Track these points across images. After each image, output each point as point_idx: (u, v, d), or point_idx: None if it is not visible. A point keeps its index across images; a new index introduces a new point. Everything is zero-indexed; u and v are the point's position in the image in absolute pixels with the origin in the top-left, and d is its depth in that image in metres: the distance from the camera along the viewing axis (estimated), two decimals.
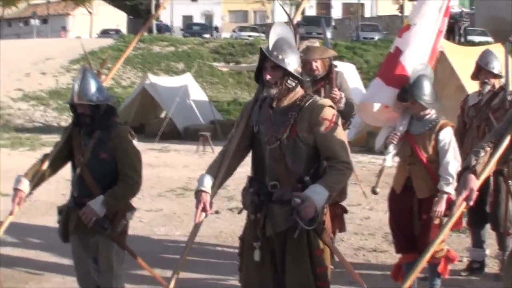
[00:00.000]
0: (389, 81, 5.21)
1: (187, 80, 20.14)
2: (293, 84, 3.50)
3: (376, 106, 5.33)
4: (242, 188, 3.69)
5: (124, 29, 53.02)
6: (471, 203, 2.81)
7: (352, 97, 5.88)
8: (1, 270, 5.84)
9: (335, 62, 5.88)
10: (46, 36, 48.59)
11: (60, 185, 8.75)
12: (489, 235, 6.14)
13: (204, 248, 6.57)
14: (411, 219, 5.00)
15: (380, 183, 5.17)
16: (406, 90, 4.95)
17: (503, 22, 33.81)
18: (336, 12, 57.17)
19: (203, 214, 3.52)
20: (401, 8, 45.44)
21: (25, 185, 4.19)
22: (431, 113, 4.96)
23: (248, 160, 3.71)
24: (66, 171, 4.51)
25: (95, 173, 4.20)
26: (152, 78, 19.93)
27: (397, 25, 41.39)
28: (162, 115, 20.13)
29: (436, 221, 4.89)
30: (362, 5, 54.18)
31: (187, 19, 55.88)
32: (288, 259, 3.46)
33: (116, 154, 4.19)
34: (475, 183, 2.82)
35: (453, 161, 4.82)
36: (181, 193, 10.08)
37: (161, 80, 20.59)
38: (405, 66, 5.17)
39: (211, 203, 3.54)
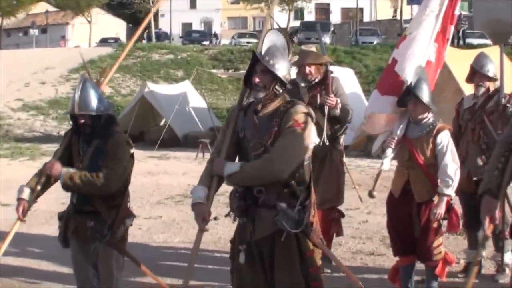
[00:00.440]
0: (384, 91, 5.26)
1: (186, 87, 20.19)
2: (280, 91, 3.55)
3: (377, 115, 5.35)
4: (230, 191, 3.72)
5: (123, 38, 53.15)
6: (497, 222, 3.39)
7: (349, 102, 5.90)
8: (1, 280, 5.85)
9: (333, 67, 5.90)
10: (45, 46, 48.80)
11: (60, 194, 8.68)
12: None
13: (203, 254, 6.57)
14: (409, 223, 5.01)
15: (377, 186, 5.18)
16: (408, 92, 4.97)
17: (502, 24, 33.87)
18: (335, 17, 57.38)
19: (205, 224, 3.55)
20: (396, 13, 45.46)
21: (27, 194, 4.22)
22: (429, 117, 4.98)
23: None
24: None
25: None
26: (151, 86, 20.00)
27: (395, 30, 41.54)
28: (162, 123, 20.16)
29: (435, 224, 4.91)
30: (361, 9, 54.29)
31: (186, 27, 56.03)
32: (277, 261, 3.49)
33: (107, 156, 4.17)
34: (495, 204, 3.38)
35: (451, 164, 4.83)
36: (180, 200, 10.06)
37: (160, 88, 20.65)
38: (398, 73, 5.22)
39: (209, 213, 3.57)
